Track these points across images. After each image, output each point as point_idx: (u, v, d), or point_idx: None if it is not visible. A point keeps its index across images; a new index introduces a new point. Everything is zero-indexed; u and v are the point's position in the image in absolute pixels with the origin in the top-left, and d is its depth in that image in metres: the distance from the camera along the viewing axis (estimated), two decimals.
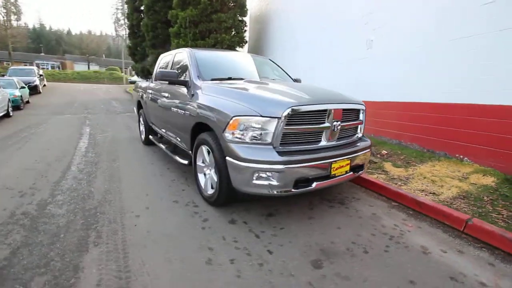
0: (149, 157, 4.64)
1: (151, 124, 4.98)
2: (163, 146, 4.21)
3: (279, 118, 2.22)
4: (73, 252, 2.00)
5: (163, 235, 2.25)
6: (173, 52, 4.18)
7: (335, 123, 2.51)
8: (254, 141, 2.28)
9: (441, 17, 4.34)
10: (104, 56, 52.10)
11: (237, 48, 12.74)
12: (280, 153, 2.24)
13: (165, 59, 4.42)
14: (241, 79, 3.28)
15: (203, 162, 2.96)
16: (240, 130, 2.29)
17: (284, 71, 4.27)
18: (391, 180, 3.46)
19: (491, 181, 3.30)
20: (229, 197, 2.61)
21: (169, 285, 1.71)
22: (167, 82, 3.38)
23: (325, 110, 2.44)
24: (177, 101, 3.41)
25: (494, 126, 3.64)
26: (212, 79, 3.15)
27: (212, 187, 2.80)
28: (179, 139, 3.57)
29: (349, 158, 2.59)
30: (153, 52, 14.52)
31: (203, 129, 2.90)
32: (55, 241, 2.12)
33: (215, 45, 11.78)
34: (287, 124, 2.26)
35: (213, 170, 2.75)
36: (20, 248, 2.03)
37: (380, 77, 5.51)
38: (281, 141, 2.28)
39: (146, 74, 15.50)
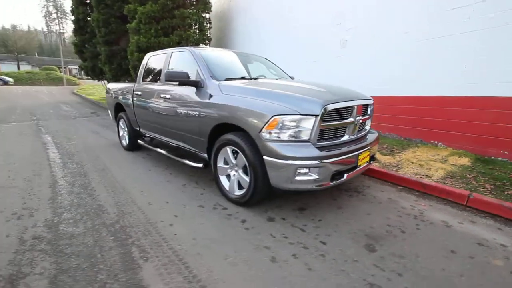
0: (141, 163, 4.34)
1: (137, 129, 4.66)
2: (162, 151, 3.99)
3: (316, 115, 2.32)
4: (125, 270, 1.84)
5: (211, 240, 2.19)
6: (167, 51, 3.96)
7: (357, 118, 2.71)
8: (293, 138, 2.34)
9: (408, 21, 4.89)
10: (36, 54, 45.78)
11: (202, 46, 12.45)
12: (319, 149, 2.36)
13: (156, 59, 4.17)
14: (254, 78, 3.29)
15: (225, 164, 2.92)
16: (279, 129, 2.34)
17: (281, 69, 4.38)
18: (387, 167, 3.84)
19: (467, 161, 3.89)
20: (264, 196, 2.64)
21: (249, 287, 1.70)
22: (175, 83, 3.20)
23: (351, 107, 2.62)
24: (185, 103, 3.27)
25: (462, 115, 4.27)
26: (226, 79, 3.10)
27: (239, 188, 2.79)
28: (187, 143, 3.43)
29: (368, 149, 2.83)
30: (107, 49, 13.30)
31: (224, 130, 2.87)
32: (96, 262, 1.92)
33: (180, 43, 11.35)
34: (322, 121, 2.38)
35: (240, 171, 2.74)
36: (58, 276, 1.79)
37: (354, 74, 5.97)
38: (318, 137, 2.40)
39: (98, 74, 14.15)
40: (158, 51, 4.32)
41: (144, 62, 4.46)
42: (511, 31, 3.72)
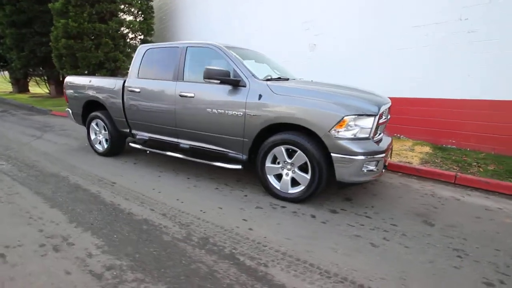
0: (141, 169, 3.88)
1: (126, 130, 4.09)
2: (178, 155, 3.66)
3: (376, 115, 2.65)
4: (257, 279, 1.76)
5: (305, 237, 2.26)
6: (178, 45, 3.60)
7: (388, 117, 3.18)
8: (358, 136, 2.62)
9: (370, 33, 5.78)
10: None
11: (147, 38, 11.29)
12: (377, 144, 2.70)
13: (161, 54, 3.77)
14: (286, 79, 3.38)
15: (275, 163, 2.97)
16: (347, 128, 2.57)
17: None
18: None
19: (428, 149, 4.94)
20: (321, 191, 2.83)
21: (385, 269, 1.88)
22: (217, 81, 3.00)
23: (388, 108, 3.06)
24: (220, 102, 3.12)
25: (418, 113, 5.37)
26: (267, 79, 3.11)
27: (292, 186, 2.90)
28: (218, 144, 3.27)
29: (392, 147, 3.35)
30: (14, 32, 10.55)
31: (272, 131, 2.91)
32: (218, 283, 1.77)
33: (118, 31, 10.07)
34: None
35: (296, 169, 2.85)
36: None
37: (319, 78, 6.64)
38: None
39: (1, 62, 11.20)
40: (159, 43, 3.89)
41: (139, 55, 3.92)
42: (452, 48, 4.89)
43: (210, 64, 3.32)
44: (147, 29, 10.92)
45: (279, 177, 3.01)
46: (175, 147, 3.74)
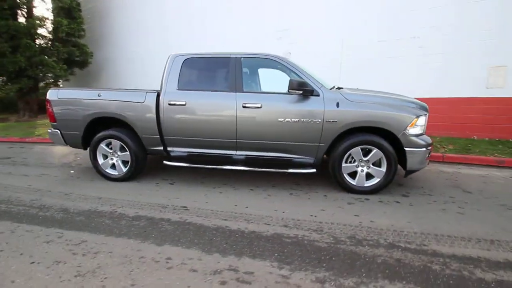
0: (192, 188, 3.60)
1: (158, 148, 3.68)
2: (241, 167, 3.57)
3: (427, 114, 3.35)
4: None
5: (417, 218, 2.72)
6: (229, 55, 3.45)
7: None
8: (420, 132, 3.25)
9: (344, 45, 6.77)
10: None
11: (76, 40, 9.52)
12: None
13: (208, 64, 3.58)
14: (339, 88, 3.74)
15: (351, 162, 3.33)
16: (415, 126, 3.17)
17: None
18: None
19: None
20: None
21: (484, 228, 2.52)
22: (300, 91, 3.10)
23: None
24: (295, 111, 3.26)
25: None
26: (335, 88, 3.42)
27: (367, 180, 3.33)
28: (289, 151, 3.39)
29: None
30: None
31: (346, 134, 3.28)
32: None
33: (29, 32, 8.29)
34: None
35: (370, 165, 3.29)
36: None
37: None
38: None
39: None
40: (197, 53, 3.62)
41: (175, 65, 3.55)
42: (407, 58, 6.28)
43: (269, 75, 3.40)
44: (77, 30, 9.27)
45: (350, 174, 3.39)
46: (225, 160, 3.61)
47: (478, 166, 4.55)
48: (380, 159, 3.26)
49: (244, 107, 3.35)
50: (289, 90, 3.15)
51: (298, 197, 3.32)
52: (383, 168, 3.26)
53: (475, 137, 5.78)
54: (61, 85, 9.93)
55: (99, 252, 2.20)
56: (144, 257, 2.14)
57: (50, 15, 8.91)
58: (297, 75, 3.35)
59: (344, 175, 3.35)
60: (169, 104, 3.51)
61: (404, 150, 3.18)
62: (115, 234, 2.49)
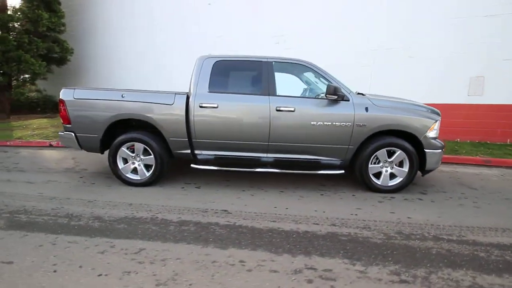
0: (222, 192, 3.58)
1: (185, 152, 3.61)
2: (272, 170, 3.62)
3: (440, 119, 3.70)
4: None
5: (444, 213, 3.01)
6: (261, 59, 3.50)
7: None
8: (434, 136, 3.58)
9: (340, 50, 7.14)
10: None
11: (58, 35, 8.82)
12: None
13: (238, 67, 3.59)
14: (362, 93, 3.95)
15: (376, 163, 3.56)
16: (433, 130, 3.49)
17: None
18: None
19: None
20: None
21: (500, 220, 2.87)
22: (336, 96, 3.25)
23: None
24: (326, 115, 3.41)
25: None
26: (358, 93, 3.63)
27: (390, 180, 3.59)
28: (319, 153, 3.53)
29: None
30: None
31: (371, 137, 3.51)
32: None
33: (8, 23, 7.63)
34: None
35: (394, 165, 3.55)
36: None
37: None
38: None
39: None
40: (227, 55, 3.62)
41: (205, 67, 3.51)
42: (398, 65, 6.80)
43: (299, 80, 3.53)
44: (59, 24, 8.60)
45: (373, 175, 3.62)
46: (253, 163, 3.65)
47: (470, 165, 5.09)
48: (402, 160, 3.53)
49: (278, 110, 3.43)
50: (327, 95, 3.29)
51: (330, 197, 3.47)
52: (405, 168, 3.53)
53: (458, 139, 6.44)
54: (37, 84, 9.10)
55: (166, 259, 2.13)
56: (216, 261, 2.11)
57: (26, 7, 8.11)
58: (328, 80, 3.51)
59: (370, 175, 3.58)
60: (200, 107, 3.46)
61: (424, 151, 3.49)
62: (171, 240, 2.41)
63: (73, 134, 3.65)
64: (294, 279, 1.93)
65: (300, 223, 2.77)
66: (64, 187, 3.69)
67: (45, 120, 8.57)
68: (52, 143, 6.18)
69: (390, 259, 2.20)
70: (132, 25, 9.09)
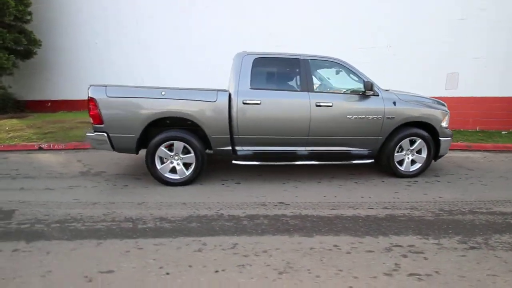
0: (265, 187, 3.70)
1: (225, 148, 3.65)
2: (311, 162, 3.85)
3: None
4: None
5: (468, 191, 3.52)
6: (298, 57, 3.65)
7: None
8: (446, 125, 4.11)
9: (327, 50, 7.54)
10: None
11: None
12: None
13: (277, 64, 3.72)
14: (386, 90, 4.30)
15: (400, 152, 3.97)
16: (446, 121, 4.01)
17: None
18: None
19: None
20: None
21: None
22: (372, 92, 3.57)
23: None
24: (360, 109, 3.71)
25: None
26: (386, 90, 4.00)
27: (411, 165, 4.04)
28: (352, 145, 3.83)
29: None
30: None
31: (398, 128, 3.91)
32: None
33: None
34: None
35: (414, 152, 4.00)
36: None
37: None
38: None
39: None
40: (264, 52, 3.70)
41: (245, 64, 3.54)
42: (384, 62, 7.44)
43: (332, 76, 3.78)
44: (25, 13, 7.64)
45: (398, 162, 4.04)
46: (290, 156, 3.82)
47: (456, 150, 5.88)
48: (421, 148, 4.00)
49: (317, 105, 3.63)
50: (366, 91, 3.58)
51: (365, 185, 3.79)
52: (424, 155, 4.02)
53: None
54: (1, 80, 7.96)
55: (267, 250, 2.23)
56: (313, 247, 2.28)
57: None
58: (359, 77, 3.80)
59: (395, 163, 3.99)
60: (244, 103, 3.51)
61: (439, 139, 4.00)
62: (255, 233, 2.50)
63: (105, 135, 3.42)
64: (391, 256, 2.18)
65: (357, 208, 3.04)
66: (95, 191, 3.45)
67: (15, 120, 7.59)
68: (42, 146, 5.58)
69: (450, 231, 2.57)
70: (116, 19, 8.44)
